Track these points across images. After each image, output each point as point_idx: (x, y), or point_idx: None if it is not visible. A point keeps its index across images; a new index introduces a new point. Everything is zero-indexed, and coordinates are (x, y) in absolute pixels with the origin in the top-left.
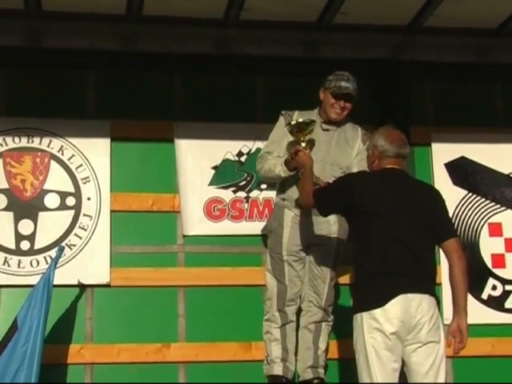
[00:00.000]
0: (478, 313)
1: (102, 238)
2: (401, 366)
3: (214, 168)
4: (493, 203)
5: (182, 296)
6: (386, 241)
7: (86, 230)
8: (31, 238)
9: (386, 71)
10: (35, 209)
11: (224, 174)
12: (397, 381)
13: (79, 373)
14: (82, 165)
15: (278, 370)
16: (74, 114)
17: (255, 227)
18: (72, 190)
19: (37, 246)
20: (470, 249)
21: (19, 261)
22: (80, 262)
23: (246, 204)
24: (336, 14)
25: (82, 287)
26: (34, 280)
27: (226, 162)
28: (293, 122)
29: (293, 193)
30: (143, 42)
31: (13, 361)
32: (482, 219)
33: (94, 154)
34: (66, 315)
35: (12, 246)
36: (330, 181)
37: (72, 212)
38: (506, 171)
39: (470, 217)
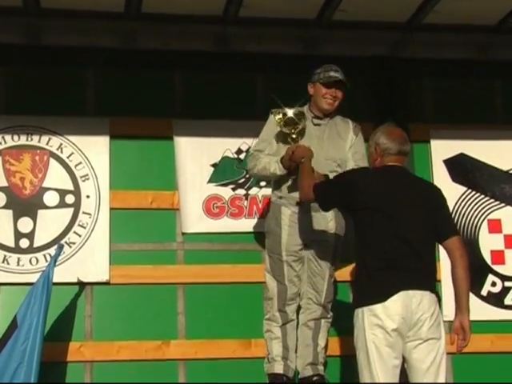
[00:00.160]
0: (477, 309)
1: (101, 235)
2: (401, 362)
3: (214, 165)
4: (492, 200)
5: (182, 293)
6: (387, 237)
7: (85, 227)
8: (30, 235)
9: (385, 68)
10: (34, 207)
11: (223, 172)
12: (397, 377)
13: (79, 370)
14: (81, 162)
15: (278, 368)
16: (73, 112)
17: (254, 224)
18: (71, 187)
19: (36, 244)
20: (470, 245)
21: (18, 259)
22: (79, 260)
23: (246, 201)
24: (335, 11)
25: (82, 285)
26: (33, 278)
27: (225, 159)
28: (278, 117)
29: (290, 190)
30: (142, 39)
31: (12, 359)
32: (482, 216)
33: (93, 152)
34: (66, 313)
35: (11, 243)
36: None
37: (71, 210)
38: (505, 168)
39: (469, 213)
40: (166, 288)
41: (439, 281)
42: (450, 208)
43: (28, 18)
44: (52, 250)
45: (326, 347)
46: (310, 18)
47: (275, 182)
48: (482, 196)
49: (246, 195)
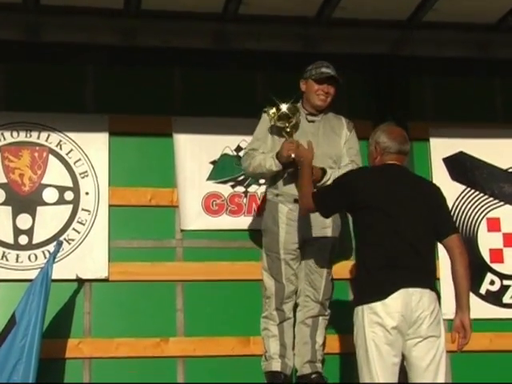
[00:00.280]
0: (476, 308)
1: (100, 232)
2: (401, 360)
3: (213, 163)
4: (491, 198)
5: (181, 290)
6: (387, 236)
7: (84, 224)
8: (29, 232)
9: (385, 66)
10: (33, 203)
11: (222, 169)
12: (396, 375)
13: (77, 367)
14: (80, 159)
15: (276, 366)
16: (73, 109)
17: (254, 222)
18: (70, 184)
19: (35, 241)
20: (469, 244)
21: (17, 255)
22: (78, 257)
23: (245, 199)
24: (335, 9)
25: (81, 282)
26: (32, 274)
27: (224, 156)
28: (271, 111)
29: (286, 188)
30: (142, 36)
31: (11, 355)
32: (481, 214)
33: (92, 149)
34: (65, 310)
35: (10, 240)
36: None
37: (70, 206)
38: (504, 166)
39: (468, 212)
40: (165, 285)
41: (438, 279)
42: (449, 206)
43: (27, 15)
44: (51, 247)
45: (323, 345)
46: (309, 16)
47: (271, 180)
48: (481, 194)
49: (246, 193)
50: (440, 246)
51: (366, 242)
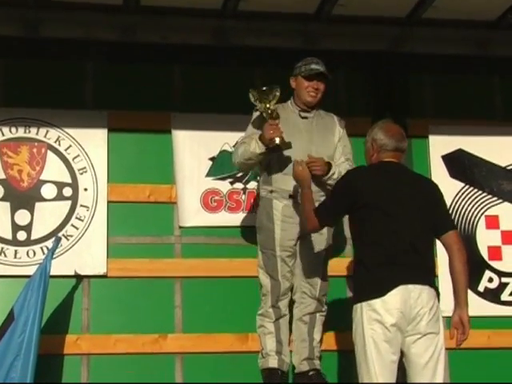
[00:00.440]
0: (474, 305)
1: (98, 228)
2: (399, 357)
3: (212, 159)
4: (490, 196)
5: (179, 287)
6: (385, 233)
7: (82, 220)
8: (28, 228)
9: (384, 63)
10: (32, 199)
11: (221, 166)
12: (395, 373)
13: (76, 363)
14: (78, 155)
15: (273, 362)
16: (72, 105)
17: (252, 219)
18: (69, 180)
19: (33, 237)
20: (467, 241)
21: (16, 251)
22: (77, 253)
23: (243, 195)
24: (335, 6)
25: (79, 278)
26: (30, 270)
27: (223, 153)
28: (251, 94)
29: (281, 183)
30: (141, 32)
31: (9, 351)
32: (479, 212)
33: (91, 145)
34: (63, 306)
35: (9, 236)
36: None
37: (69, 202)
38: (503, 164)
39: (466, 209)
40: (164, 281)
41: (437, 276)
42: (448, 204)
43: (27, 11)
44: (49, 243)
45: (321, 341)
46: (309, 13)
47: (264, 176)
48: (480, 192)
49: (244, 189)
50: (438, 243)
51: (365, 239)
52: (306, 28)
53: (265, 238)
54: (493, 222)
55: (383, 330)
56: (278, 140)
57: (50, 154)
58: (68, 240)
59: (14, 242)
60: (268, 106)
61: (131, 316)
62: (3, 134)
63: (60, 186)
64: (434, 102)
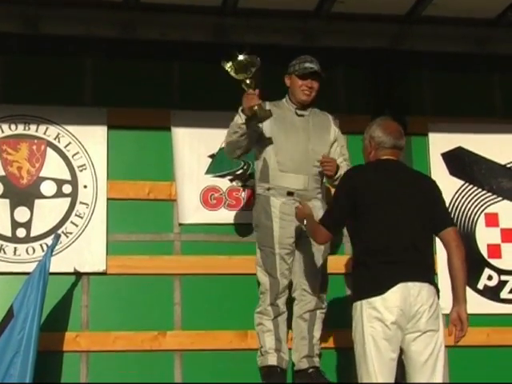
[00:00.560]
0: (473, 303)
1: (98, 225)
2: (398, 355)
3: (211, 156)
4: (489, 193)
5: (178, 284)
6: (385, 231)
7: (82, 217)
8: (27, 225)
9: (384, 61)
10: (31, 196)
11: (221, 163)
12: (394, 371)
13: (75, 360)
14: (78, 152)
15: (272, 360)
16: (71, 102)
17: (252, 216)
18: (68, 177)
19: (33, 234)
20: (466, 239)
21: (15, 248)
22: (76, 250)
23: (243, 193)
24: (334, 3)
25: (78, 275)
26: (30, 267)
27: (223, 150)
28: (228, 65)
29: (278, 181)
30: (141, 29)
31: (9, 348)
32: (479, 209)
33: (90, 142)
34: (62, 303)
35: (8, 233)
36: (316, 168)
37: (68, 200)
38: (502, 162)
39: (466, 207)
40: (163, 279)
41: (436, 274)
42: (448, 201)
43: (26, 7)
44: (49, 240)
45: (320, 339)
46: (309, 10)
47: (261, 174)
48: (480, 190)
49: (244, 186)
50: (437, 241)
51: (364, 237)
52: (306, 25)
53: (263, 235)
54: (492, 220)
55: (383, 327)
56: (256, 108)
57: (49, 150)
58: (67, 237)
59: (14, 238)
60: (246, 76)
61: (130, 313)
62: (3, 131)
63: (59, 183)
64: (434, 99)
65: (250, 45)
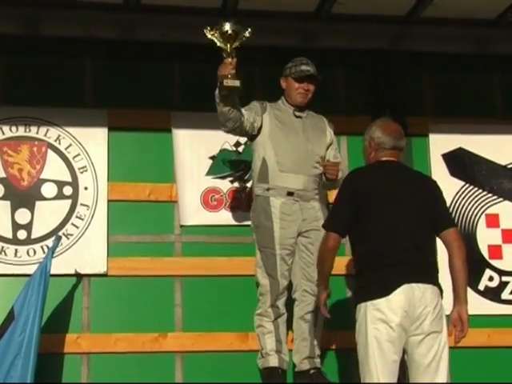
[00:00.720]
0: (474, 304)
1: (99, 227)
2: (401, 357)
3: (212, 158)
4: (490, 194)
5: (179, 286)
6: (387, 232)
7: (83, 219)
8: (28, 227)
9: (383, 61)
10: (32, 198)
11: (221, 164)
12: (396, 373)
13: (76, 362)
14: (79, 154)
15: (273, 361)
16: (72, 103)
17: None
18: (69, 179)
19: (34, 236)
20: (467, 240)
21: (16, 250)
22: (77, 252)
23: (244, 194)
24: (334, 4)
25: (79, 277)
26: (30, 269)
27: (223, 151)
28: (211, 34)
29: (277, 181)
30: (141, 30)
31: (10, 350)
32: (479, 210)
33: (91, 144)
34: (63, 304)
35: (9, 235)
36: (314, 168)
37: (69, 201)
38: (503, 162)
39: (467, 208)
40: (164, 280)
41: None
42: (448, 202)
43: (27, 9)
44: (49, 242)
45: (321, 339)
46: (309, 11)
47: (259, 175)
48: (480, 190)
49: (244, 188)
50: (437, 241)
51: (367, 239)
52: (306, 26)
53: (263, 236)
54: (493, 221)
55: (387, 329)
56: (229, 76)
57: (50, 152)
58: (68, 239)
59: (15, 240)
60: (229, 46)
61: (131, 315)
62: (3, 133)
63: (60, 184)
64: (434, 100)
65: (238, 17)
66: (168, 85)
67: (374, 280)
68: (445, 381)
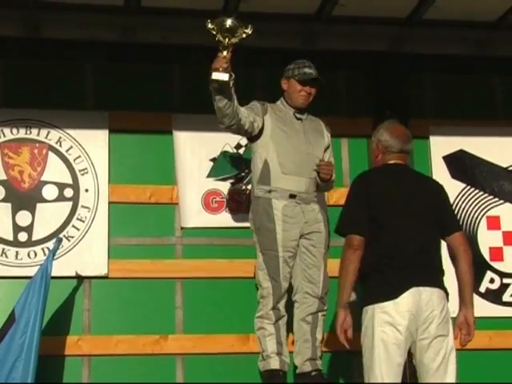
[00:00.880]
0: (475, 306)
1: (99, 229)
2: (405, 360)
3: (213, 160)
4: (491, 196)
5: (180, 288)
6: (396, 235)
7: (83, 221)
8: (29, 229)
9: (385, 63)
10: (33, 200)
11: (222, 166)
12: (400, 376)
13: (77, 364)
14: (80, 156)
15: (275, 364)
16: (73, 106)
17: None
18: (70, 181)
19: (34, 238)
20: (468, 242)
21: (17, 252)
22: (78, 254)
23: (244, 196)
24: (335, 6)
25: (80, 279)
26: (31, 271)
27: (224, 153)
28: (210, 25)
29: (280, 183)
30: (142, 33)
31: (10, 352)
32: (480, 212)
33: (92, 146)
34: (64, 307)
35: (10, 237)
36: (315, 172)
37: (70, 203)
38: (504, 164)
39: (468, 210)
40: (165, 282)
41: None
42: None
43: (27, 11)
44: (50, 244)
45: (322, 341)
46: (310, 13)
47: (260, 176)
48: (481, 192)
49: (245, 190)
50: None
51: (375, 242)
52: (307, 28)
53: (265, 238)
54: (494, 223)
55: (394, 332)
56: (220, 70)
57: (51, 154)
58: (69, 241)
59: (15, 242)
60: (227, 41)
61: (132, 317)
62: (4, 135)
63: (61, 186)
64: (435, 102)
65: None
66: (169, 87)
67: (381, 283)
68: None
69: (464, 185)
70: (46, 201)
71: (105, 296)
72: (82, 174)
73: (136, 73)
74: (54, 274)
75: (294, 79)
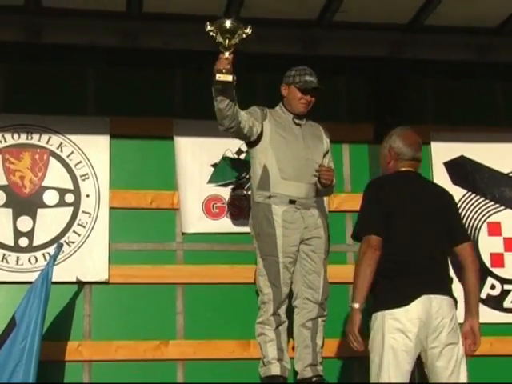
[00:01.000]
0: None
1: (100, 235)
2: (413, 367)
3: (214, 165)
4: (492, 202)
5: (181, 293)
6: (407, 243)
7: (84, 227)
8: (30, 234)
9: (386, 69)
10: (34, 205)
11: (223, 172)
12: (407, 381)
13: (77, 370)
14: (81, 161)
15: (275, 370)
16: (74, 111)
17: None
18: (71, 186)
19: (35, 243)
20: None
21: (18, 257)
22: (78, 259)
23: (245, 201)
24: (336, 12)
25: (81, 284)
26: (32, 277)
27: (225, 159)
28: (210, 27)
29: (279, 189)
30: (143, 38)
31: (11, 357)
32: (481, 218)
33: (93, 151)
34: (65, 312)
35: (10, 242)
36: (314, 177)
37: (71, 209)
38: (505, 171)
39: (469, 216)
40: (165, 288)
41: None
42: None
43: (29, 16)
44: (51, 249)
45: (323, 346)
46: (311, 19)
47: (259, 181)
48: (482, 199)
49: (246, 195)
50: None
51: (387, 249)
52: (308, 34)
53: (265, 244)
54: (495, 229)
55: (404, 339)
56: (224, 71)
57: (52, 160)
58: (70, 246)
59: (16, 248)
60: (227, 42)
61: (133, 322)
62: (5, 140)
63: (62, 192)
64: (436, 108)
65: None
66: (170, 92)
67: (391, 289)
68: None
69: (465, 191)
70: (46, 206)
71: (105, 301)
72: (83, 180)
73: (137, 78)
74: (54, 279)
75: (294, 86)
